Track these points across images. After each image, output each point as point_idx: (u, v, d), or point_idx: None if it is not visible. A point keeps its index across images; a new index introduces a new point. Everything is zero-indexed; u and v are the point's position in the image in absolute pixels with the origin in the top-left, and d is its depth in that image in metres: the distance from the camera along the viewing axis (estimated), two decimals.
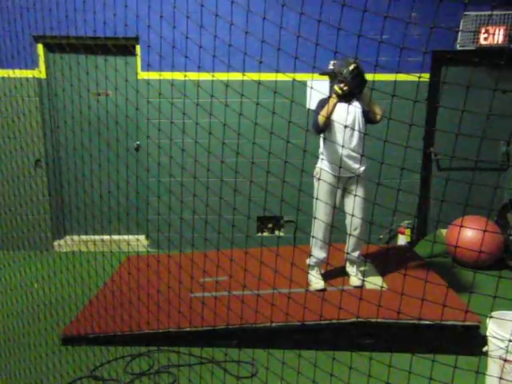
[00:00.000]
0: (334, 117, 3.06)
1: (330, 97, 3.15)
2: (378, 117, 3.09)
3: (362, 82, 2.78)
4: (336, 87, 2.80)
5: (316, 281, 3.28)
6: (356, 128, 3.11)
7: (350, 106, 3.03)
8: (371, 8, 1.40)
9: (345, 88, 2.75)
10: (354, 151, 3.10)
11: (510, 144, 4.76)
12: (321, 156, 3.28)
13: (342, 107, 3.06)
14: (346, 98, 2.83)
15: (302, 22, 1.94)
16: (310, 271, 3.37)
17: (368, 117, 3.13)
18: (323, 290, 3.22)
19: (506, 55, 4.29)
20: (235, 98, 2.74)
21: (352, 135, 3.13)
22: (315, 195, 3.16)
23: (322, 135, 3.22)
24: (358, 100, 3.09)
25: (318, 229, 3.23)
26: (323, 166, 3.24)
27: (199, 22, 1.99)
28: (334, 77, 3.07)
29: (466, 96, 1.40)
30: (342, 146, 3.07)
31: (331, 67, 3.07)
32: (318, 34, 1.58)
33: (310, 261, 3.35)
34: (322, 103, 3.17)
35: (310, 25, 2.38)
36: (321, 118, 3.05)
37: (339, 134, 3.11)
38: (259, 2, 3.85)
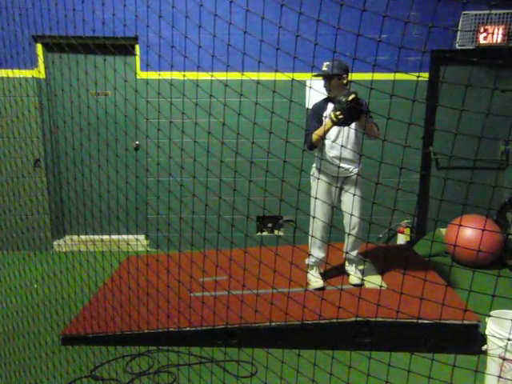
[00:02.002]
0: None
1: (326, 99, 3.20)
2: (374, 138, 3.11)
3: (357, 113, 2.83)
4: (332, 114, 2.84)
5: (315, 280, 3.29)
6: (351, 128, 3.11)
7: None
8: (370, 8, 1.40)
9: (340, 117, 2.80)
10: (348, 152, 3.12)
11: (509, 143, 4.76)
12: (316, 156, 3.30)
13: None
14: (340, 125, 2.89)
15: (301, 22, 1.94)
16: (309, 271, 3.38)
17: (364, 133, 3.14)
18: (322, 289, 3.22)
19: (505, 54, 4.30)
20: (234, 98, 2.74)
21: (347, 136, 3.15)
22: (312, 195, 3.17)
23: None
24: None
25: (316, 228, 3.24)
26: (319, 166, 3.25)
27: (198, 21, 1.99)
28: (327, 78, 3.08)
29: (465, 95, 1.40)
30: (342, 146, 3.08)
31: (324, 68, 3.09)
32: (316, 33, 1.58)
33: (309, 260, 3.35)
34: (314, 114, 3.18)
35: (308, 24, 2.38)
36: (314, 137, 3.10)
37: (333, 135, 3.14)
38: (258, 2, 3.85)
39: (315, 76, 3.17)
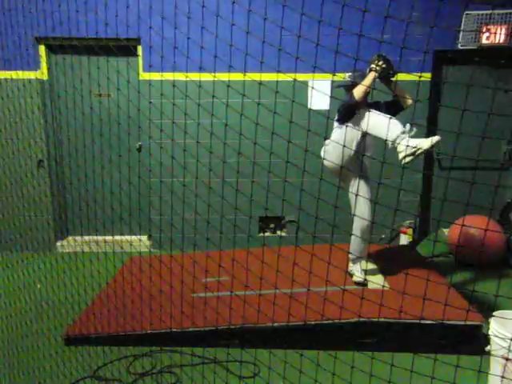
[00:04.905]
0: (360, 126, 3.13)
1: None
2: (409, 101, 3.14)
3: (392, 66, 3.04)
4: (374, 65, 3.01)
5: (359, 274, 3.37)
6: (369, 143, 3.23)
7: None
8: (372, 8, 1.40)
9: (384, 66, 2.97)
10: (371, 154, 3.22)
11: None
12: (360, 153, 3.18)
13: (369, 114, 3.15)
14: (381, 73, 3.02)
15: (303, 22, 1.94)
16: (353, 266, 3.45)
17: (397, 106, 3.19)
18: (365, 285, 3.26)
19: (508, 54, 4.29)
20: (236, 99, 2.75)
21: (370, 142, 3.23)
22: (360, 193, 3.00)
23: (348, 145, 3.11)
24: (389, 86, 3.17)
25: (367, 227, 3.27)
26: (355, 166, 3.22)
27: (200, 22, 2.00)
28: (351, 88, 3.11)
29: (467, 95, 1.40)
30: (363, 155, 3.15)
31: (348, 79, 3.17)
32: (318, 34, 1.59)
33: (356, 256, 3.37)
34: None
35: (310, 25, 2.38)
36: (358, 90, 2.94)
37: (363, 141, 3.16)
38: (260, 3, 3.85)
39: (338, 87, 3.33)
